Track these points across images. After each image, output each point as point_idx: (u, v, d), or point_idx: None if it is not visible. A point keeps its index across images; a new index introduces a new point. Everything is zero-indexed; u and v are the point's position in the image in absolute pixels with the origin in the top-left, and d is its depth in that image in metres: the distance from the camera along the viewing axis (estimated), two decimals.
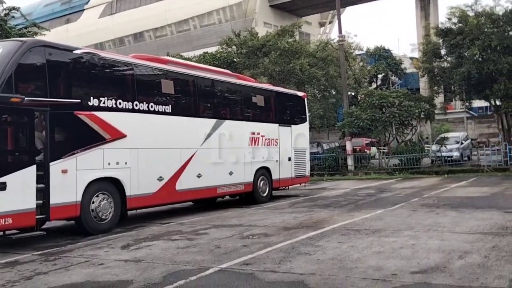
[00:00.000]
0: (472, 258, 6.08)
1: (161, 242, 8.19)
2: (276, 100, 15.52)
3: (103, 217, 9.44)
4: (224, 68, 17.90)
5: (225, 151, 12.79)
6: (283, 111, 15.93)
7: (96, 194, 9.35)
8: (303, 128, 16.58)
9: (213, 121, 12.52)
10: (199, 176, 11.89)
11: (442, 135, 26.54)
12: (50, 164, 8.47)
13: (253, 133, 13.99)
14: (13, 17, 22.05)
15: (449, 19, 25.20)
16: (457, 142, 26.45)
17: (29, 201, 8.04)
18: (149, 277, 5.83)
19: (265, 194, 14.40)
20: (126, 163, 10.01)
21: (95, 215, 9.30)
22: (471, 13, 24.37)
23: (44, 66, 8.59)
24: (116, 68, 10.36)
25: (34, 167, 8.14)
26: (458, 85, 26.29)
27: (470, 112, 40.94)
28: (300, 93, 17.56)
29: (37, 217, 8.25)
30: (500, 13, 23.45)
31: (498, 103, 25.57)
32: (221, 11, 51.27)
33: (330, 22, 57.77)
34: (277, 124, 15.14)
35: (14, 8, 21.54)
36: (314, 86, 30.90)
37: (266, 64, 26.48)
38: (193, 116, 12.02)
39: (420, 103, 23.86)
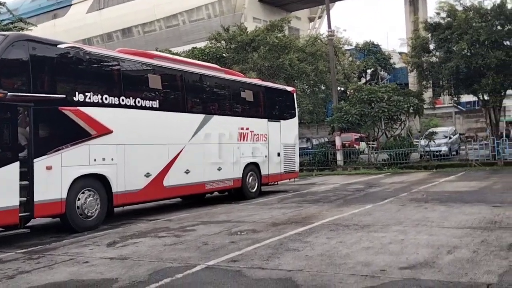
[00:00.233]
0: (461, 253, 6.05)
1: (147, 239, 8.08)
2: (265, 95, 15.44)
3: (89, 214, 9.31)
4: (213, 63, 17.77)
5: (213, 146, 12.70)
6: (272, 106, 15.87)
7: (82, 191, 9.22)
8: (292, 124, 16.52)
9: (201, 117, 12.40)
10: (187, 172, 11.79)
11: (430, 130, 26.62)
12: (34, 160, 8.33)
13: (242, 129, 13.91)
14: None
15: (438, 13, 25.32)
16: (446, 137, 26.63)
17: (12, 198, 7.91)
18: (135, 275, 5.73)
19: (254, 190, 14.34)
20: (112, 159, 9.88)
21: (81, 212, 9.16)
22: (459, 8, 24.48)
23: (28, 60, 8.43)
24: (102, 63, 10.19)
25: (17, 163, 8.00)
26: (446, 79, 26.38)
27: (459, 107, 41.26)
28: (289, 88, 17.48)
29: (21, 214, 8.12)
30: (488, 8, 23.55)
31: (486, 97, 25.71)
32: (210, 6, 51.09)
33: (319, 17, 57.90)
34: (266, 120, 15.07)
35: (0, 3, 21.21)
36: (303, 81, 30.92)
37: (255, 59, 26.40)
38: (181, 112, 11.90)
39: (409, 98, 23.90)
